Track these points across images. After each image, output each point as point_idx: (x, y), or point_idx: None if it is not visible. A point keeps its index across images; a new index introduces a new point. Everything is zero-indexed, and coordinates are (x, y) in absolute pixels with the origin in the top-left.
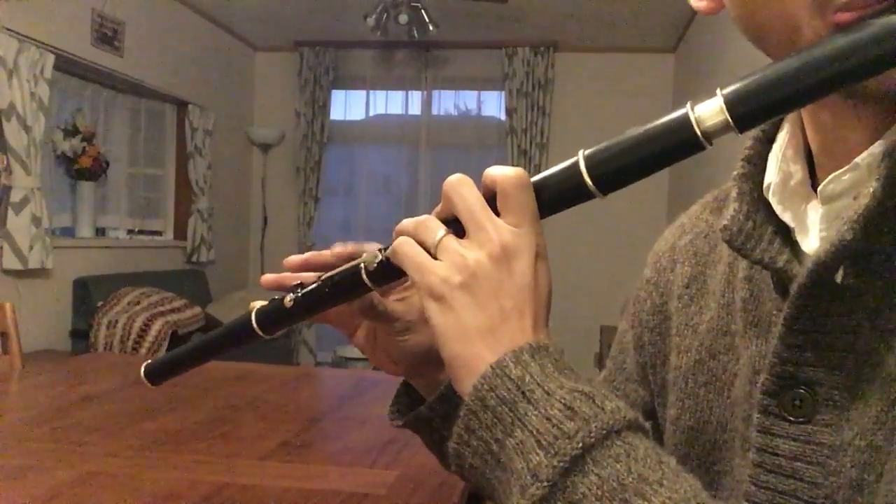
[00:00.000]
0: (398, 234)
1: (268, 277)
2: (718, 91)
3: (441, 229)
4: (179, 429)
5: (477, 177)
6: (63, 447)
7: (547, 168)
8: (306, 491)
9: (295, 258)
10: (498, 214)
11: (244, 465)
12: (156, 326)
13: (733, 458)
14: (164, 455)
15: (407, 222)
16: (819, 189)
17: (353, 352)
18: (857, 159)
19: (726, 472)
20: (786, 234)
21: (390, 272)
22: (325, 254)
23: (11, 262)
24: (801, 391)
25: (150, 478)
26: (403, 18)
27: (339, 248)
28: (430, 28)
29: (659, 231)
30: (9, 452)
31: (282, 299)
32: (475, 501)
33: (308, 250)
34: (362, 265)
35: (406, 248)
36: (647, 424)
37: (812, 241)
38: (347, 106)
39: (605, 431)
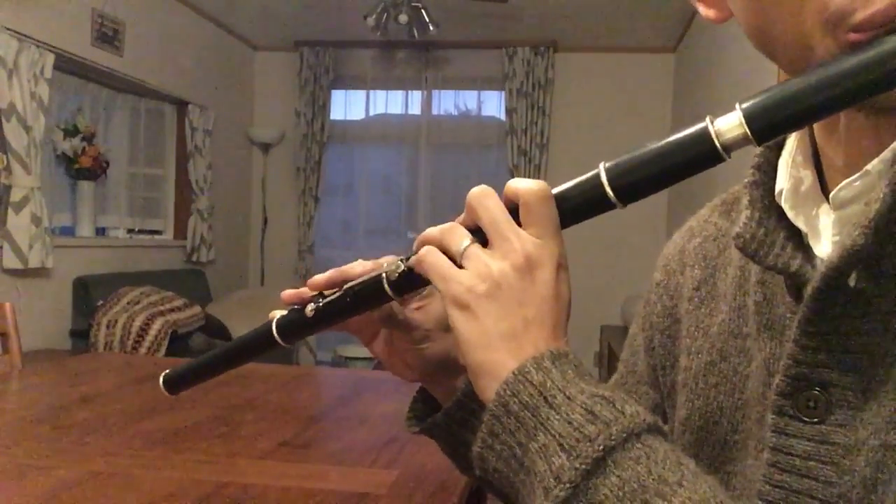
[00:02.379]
0: (422, 241)
1: (288, 293)
2: (737, 105)
3: (467, 238)
4: (179, 429)
5: (479, 176)
6: (63, 447)
7: (547, 168)
8: (306, 491)
9: (319, 278)
10: (520, 226)
11: (244, 465)
12: (156, 326)
13: (745, 459)
14: (164, 455)
15: (432, 230)
16: (831, 195)
17: (353, 351)
18: (869, 166)
19: (737, 473)
20: (797, 239)
21: (412, 282)
22: (347, 269)
23: (11, 262)
24: (816, 392)
25: (150, 477)
26: (403, 18)
27: (360, 268)
28: (430, 28)
29: (659, 232)
30: (9, 452)
31: (303, 309)
32: (475, 501)
33: (308, 250)
34: (384, 275)
35: (431, 259)
36: (666, 428)
37: (824, 245)
38: (347, 106)
39: (625, 434)
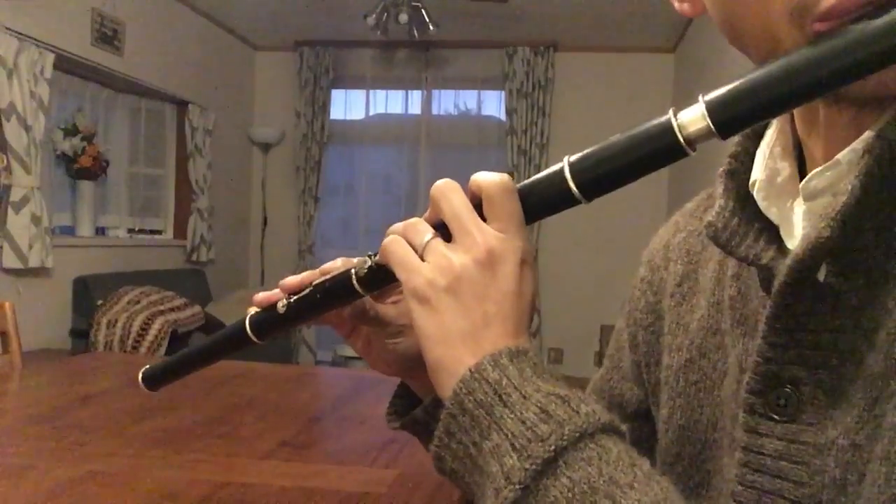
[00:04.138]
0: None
1: (259, 297)
2: (700, 97)
3: (429, 232)
4: (179, 429)
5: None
6: (63, 447)
7: (547, 168)
8: (306, 491)
9: (292, 280)
10: (485, 220)
11: (244, 465)
12: (156, 325)
13: (723, 458)
14: (164, 455)
15: (396, 226)
16: (801, 185)
17: (353, 351)
18: (839, 156)
19: (716, 472)
20: (772, 232)
21: (380, 278)
22: (324, 268)
23: (11, 262)
24: (786, 390)
25: (150, 477)
26: (403, 18)
27: (329, 266)
28: (430, 28)
29: (658, 230)
30: (9, 452)
31: (275, 305)
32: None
33: (308, 250)
34: (353, 271)
35: (394, 247)
36: (624, 427)
37: (797, 239)
38: (347, 105)
39: (578, 434)
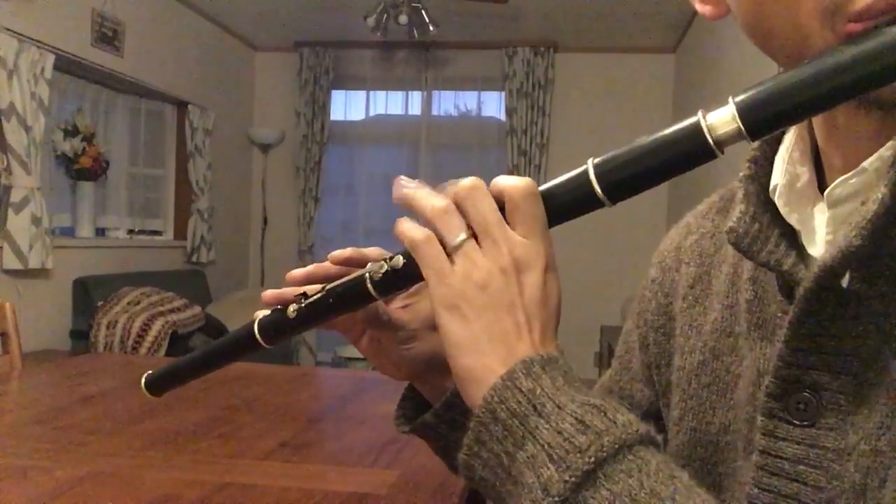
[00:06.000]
0: (422, 213)
1: (268, 294)
2: (730, 99)
3: (464, 232)
4: (179, 429)
5: (479, 176)
6: (63, 447)
7: (547, 168)
8: (306, 491)
9: (298, 272)
10: (507, 223)
11: (244, 465)
12: (156, 326)
13: (736, 460)
14: (164, 455)
15: (432, 208)
16: (826, 192)
17: (354, 352)
18: (865, 163)
19: (729, 474)
20: (792, 237)
21: (395, 282)
22: (328, 266)
23: (11, 262)
24: (806, 395)
25: (150, 478)
26: (403, 18)
27: (337, 253)
28: (430, 28)
29: (659, 231)
30: (9, 452)
31: (285, 309)
32: (475, 502)
33: (308, 251)
34: (367, 275)
35: (427, 249)
36: (659, 438)
37: (818, 244)
38: (347, 106)
39: (617, 446)
